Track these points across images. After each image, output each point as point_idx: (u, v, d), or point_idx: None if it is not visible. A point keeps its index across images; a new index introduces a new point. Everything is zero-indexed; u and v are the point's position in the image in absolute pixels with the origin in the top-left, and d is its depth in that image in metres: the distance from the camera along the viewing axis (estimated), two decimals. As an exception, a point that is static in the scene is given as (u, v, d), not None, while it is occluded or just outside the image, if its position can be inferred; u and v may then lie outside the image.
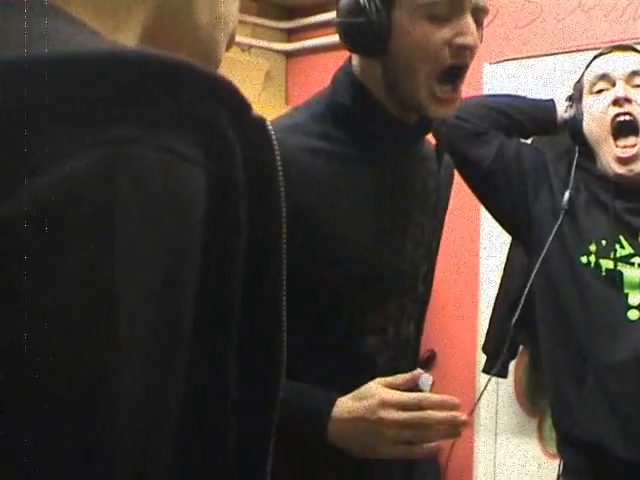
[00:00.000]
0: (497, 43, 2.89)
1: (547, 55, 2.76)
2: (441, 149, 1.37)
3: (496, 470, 2.86)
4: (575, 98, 1.86)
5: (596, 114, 1.79)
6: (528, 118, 1.90)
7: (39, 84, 0.44)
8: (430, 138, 1.38)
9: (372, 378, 1.24)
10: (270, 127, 0.54)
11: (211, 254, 0.49)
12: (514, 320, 1.81)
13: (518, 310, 1.81)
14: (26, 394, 0.42)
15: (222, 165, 0.49)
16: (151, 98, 0.46)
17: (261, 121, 0.53)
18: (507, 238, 2.73)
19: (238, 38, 2.93)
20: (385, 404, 1.19)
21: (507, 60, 2.84)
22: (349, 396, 1.21)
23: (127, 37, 0.57)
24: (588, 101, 1.82)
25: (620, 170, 1.75)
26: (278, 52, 3.47)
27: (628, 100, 1.75)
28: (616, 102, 1.76)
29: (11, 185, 0.43)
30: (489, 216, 2.90)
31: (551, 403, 1.88)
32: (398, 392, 1.21)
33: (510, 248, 2.69)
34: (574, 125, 1.84)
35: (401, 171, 1.31)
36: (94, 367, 0.43)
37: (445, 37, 1.20)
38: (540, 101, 1.95)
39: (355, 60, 1.28)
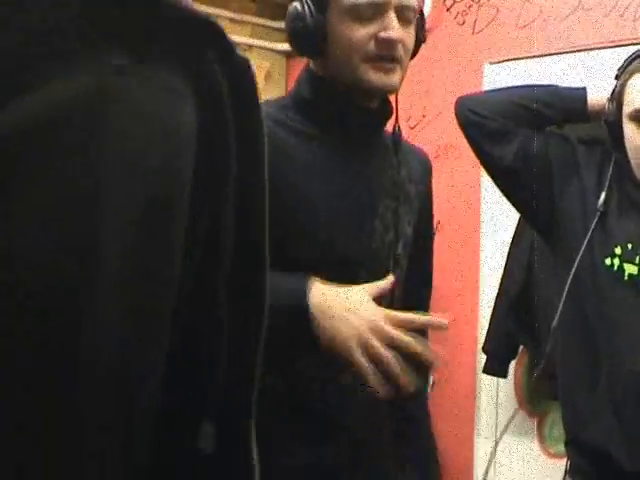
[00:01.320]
0: (497, 43, 2.89)
1: (547, 55, 2.75)
2: (398, 140, 1.47)
3: (496, 470, 2.86)
4: (616, 100, 1.75)
5: (635, 146, 1.71)
6: (556, 110, 1.84)
7: (37, 10, 0.44)
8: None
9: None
10: (253, 68, 0.55)
11: (203, 184, 0.49)
12: (554, 325, 1.75)
13: (558, 312, 1.74)
14: (8, 295, 0.42)
15: (210, 99, 0.50)
16: (141, 33, 0.47)
17: (245, 61, 0.55)
18: (507, 238, 2.73)
19: (238, 38, 2.93)
20: (377, 318, 1.21)
21: (507, 60, 2.84)
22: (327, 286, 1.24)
23: None
24: (629, 127, 1.73)
25: None
26: (278, 52, 3.47)
27: None
28: None
29: (4, 101, 0.43)
30: (489, 216, 2.91)
31: (561, 403, 1.87)
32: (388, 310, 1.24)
33: (510, 247, 2.69)
34: (613, 132, 1.76)
35: (365, 155, 1.42)
36: (74, 274, 0.43)
37: (369, 32, 1.33)
38: (571, 90, 1.87)
39: (311, 62, 1.43)
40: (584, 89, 1.85)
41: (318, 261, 1.32)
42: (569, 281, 1.72)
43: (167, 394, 0.50)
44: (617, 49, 2.61)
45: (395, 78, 1.37)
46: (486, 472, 2.85)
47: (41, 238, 0.43)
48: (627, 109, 1.72)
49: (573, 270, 1.72)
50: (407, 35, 1.37)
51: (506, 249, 2.71)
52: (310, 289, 1.23)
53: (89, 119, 0.44)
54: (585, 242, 1.71)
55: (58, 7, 0.45)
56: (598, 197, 1.76)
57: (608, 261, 1.72)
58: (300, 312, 1.22)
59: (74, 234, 0.43)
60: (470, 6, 2.98)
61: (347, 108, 1.40)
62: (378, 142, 1.46)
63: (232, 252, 0.54)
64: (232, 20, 3.29)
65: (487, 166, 1.88)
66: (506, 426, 2.83)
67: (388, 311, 1.24)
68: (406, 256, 1.47)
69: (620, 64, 1.80)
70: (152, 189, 0.46)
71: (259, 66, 3.38)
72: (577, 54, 2.69)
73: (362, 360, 1.19)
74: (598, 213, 1.73)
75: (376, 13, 1.33)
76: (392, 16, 1.34)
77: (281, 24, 3.44)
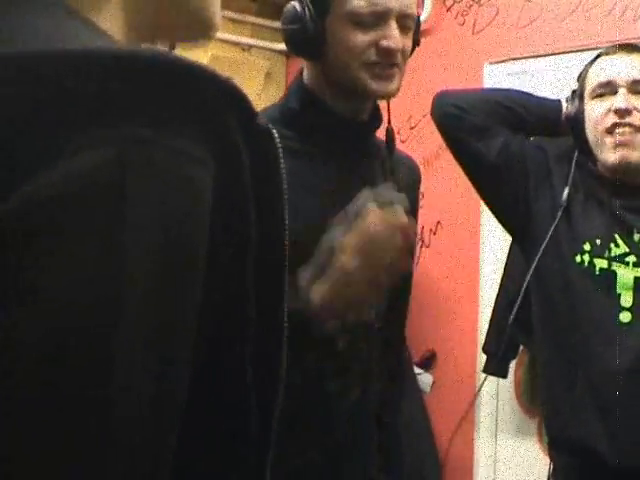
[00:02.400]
0: (497, 43, 2.89)
1: (547, 55, 2.75)
2: (391, 147, 1.47)
3: (496, 470, 2.86)
4: (577, 95, 1.83)
5: (596, 119, 1.77)
6: (534, 116, 1.86)
7: (55, 81, 0.45)
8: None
9: (331, 360, 1.31)
10: (276, 134, 0.56)
11: (220, 249, 0.50)
12: (511, 319, 1.78)
13: (514, 310, 1.78)
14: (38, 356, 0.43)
15: (229, 168, 0.51)
16: (163, 99, 0.47)
17: (267, 129, 0.55)
18: (507, 238, 2.72)
19: (238, 38, 2.93)
20: (341, 245, 1.24)
21: (507, 60, 2.84)
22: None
23: (113, 15, 0.57)
24: (589, 105, 1.79)
25: (615, 156, 1.72)
26: (278, 52, 3.47)
27: (629, 112, 1.72)
28: (617, 112, 1.73)
29: (25, 175, 0.44)
30: (489, 216, 2.90)
31: (542, 403, 1.87)
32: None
33: (510, 248, 2.69)
34: (575, 123, 1.82)
35: (354, 167, 1.42)
36: (98, 353, 0.44)
37: (370, 40, 1.33)
38: (546, 100, 1.91)
39: (305, 68, 1.43)
40: (559, 101, 1.88)
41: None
42: (528, 276, 1.76)
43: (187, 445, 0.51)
44: (617, 49, 2.62)
45: (395, 84, 1.37)
46: (486, 472, 2.85)
47: (63, 317, 0.43)
48: (588, 89, 1.78)
49: (533, 265, 1.74)
50: (406, 42, 1.38)
51: (506, 249, 2.71)
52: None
53: (110, 190, 0.45)
54: (548, 237, 1.73)
55: (78, 78, 0.45)
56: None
57: (578, 258, 1.73)
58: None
59: (96, 316, 0.44)
60: (470, 6, 2.98)
61: (334, 122, 1.40)
62: (367, 151, 1.47)
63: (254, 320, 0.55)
64: (232, 20, 3.29)
65: (469, 162, 1.86)
66: (506, 426, 2.83)
67: None
68: None
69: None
70: (170, 261, 0.47)
71: (259, 66, 3.38)
72: (577, 54, 2.69)
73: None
74: (561, 208, 1.75)
75: (377, 21, 1.33)
76: (393, 25, 1.33)
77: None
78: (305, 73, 1.43)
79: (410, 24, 1.38)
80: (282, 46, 3.48)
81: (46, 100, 0.45)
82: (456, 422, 2.90)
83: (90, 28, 0.53)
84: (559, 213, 1.75)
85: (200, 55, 3.02)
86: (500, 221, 1.98)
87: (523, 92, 1.96)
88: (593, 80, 1.79)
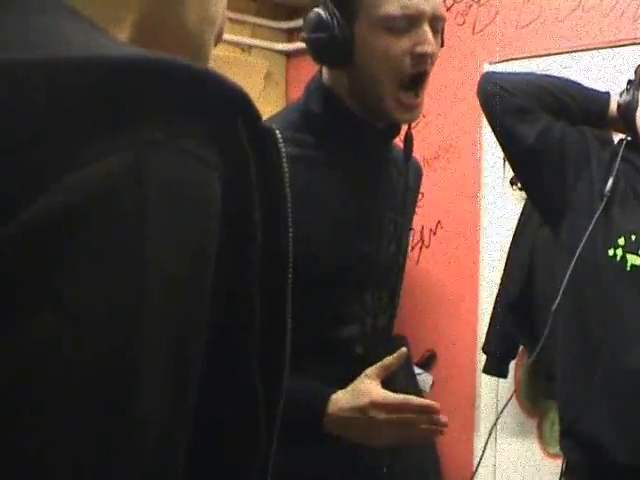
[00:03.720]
0: (497, 43, 2.89)
1: (547, 55, 2.75)
2: (409, 153, 1.44)
3: (496, 470, 2.86)
4: (634, 85, 1.77)
5: None
6: (579, 106, 1.81)
7: (67, 87, 0.45)
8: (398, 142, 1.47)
9: (349, 367, 1.31)
10: (279, 136, 0.56)
11: (226, 254, 0.50)
12: (553, 308, 1.73)
13: (557, 301, 1.73)
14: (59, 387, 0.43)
15: (237, 171, 0.51)
16: (174, 104, 0.48)
17: (271, 130, 0.55)
18: (507, 238, 2.73)
19: (238, 38, 2.94)
20: (375, 405, 1.26)
21: (507, 60, 2.84)
22: (343, 392, 1.28)
23: (119, 34, 0.57)
24: None
25: None
26: (278, 52, 3.47)
27: None
28: None
29: (42, 185, 0.44)
30: (489, 216, 2.91)
31: (558, 393, 1.86)
32: (387, 393, 1.28)
33: (510, 248, 2.69)
34: (627, 112, 1.76)
35: (372, 171, 1.40)
36: (120, 359, 0.44)
37: (405, 47, 1.27)
38: (595, 91, 1.86)
39: (325, 70, 1.36)
40: (608, 94, 1.84)
41: (328, 278, 1.32)
42: (571, 267, 1.70)
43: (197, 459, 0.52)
44: (617, 49, 2.62)
45: (417, 113, 1.34)
46: (486, 472, 2.85)
47: (87, 326, 0.44)
48: None
49: (575, 258, 1.69)
50: (437, 47, 1.34)
51: (506, 249, 2.71)
52: (325, 408, 1.28)
53: (128, 196, 0.45)
54: (590, 228, 1.68)
55: (89, 85, 0.45)
56: (604, 189, 1.74)
57: (611, 252, 1.71)
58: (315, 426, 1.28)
59: (116, 326, 0.44)
60: (470, 6, 2.98)
61: (357, 127, 1.36)
62: (385, 156, 1.44)
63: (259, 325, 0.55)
64: (232, 20, 3.29)
65: (507, 144, 1.84)
66: (506, 426, 2.83)
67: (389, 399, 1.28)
68: (404, 266, 1.49)
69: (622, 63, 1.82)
70: (189, 263, 0.47)
71: (259, 66, 3.38)
72: (577, 54, 2.69)
73: (390, 442, 1.32)
74: (605, 198, 1.71)
75: (410, 25, 1.27)
76: (427, 29, 1.28)
77: (281, 24, 3.47)
78: (325, 75, 1.37)
79: (440, 26, 1.34)
80: (282, 46, 3.50)
81: (55, 108, 0.45)
82: (456, 422, 2.89)
83: (98, 32, 0.54)
84: (602, 204, 1.71)
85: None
86: (536, 206, 1.96)
87: (572, 81, 1.89)
88: None
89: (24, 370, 0.43)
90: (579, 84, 1.87)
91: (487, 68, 2.88)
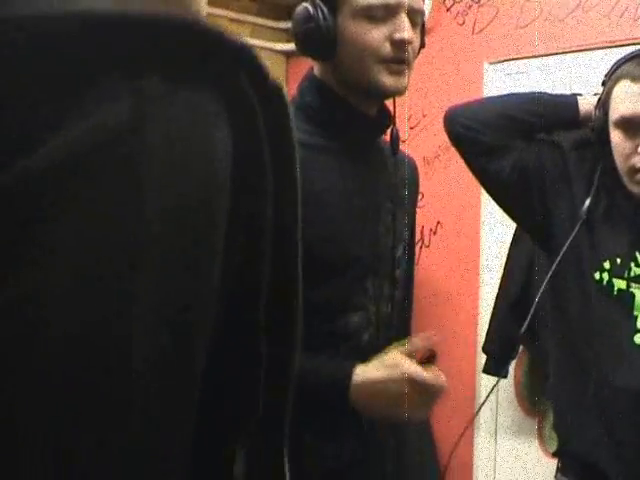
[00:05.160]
0: (497, 43, 2.89)
1: (547, 55, 2.75)
2: (395, 146, 1.49)
3: (496, 470, 2.86)
4: (601, 106, 1.72)
5: (621, 154, 1.68)
6: (548, 121, 1.80)
7: (65, 39, 0.45)
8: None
9: (356, 355, 1.34)
10: (286, 93, 0.56)
11: (240, 210, 0.49)
12: (523, 329, 1.74)
13: (527, 321, 1.74)
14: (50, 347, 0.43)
15: (245, 123, 0.50)
16: (176, 57, 0.47)
17: (279, 86, 0.54)
18: (507, 238, 2.73)
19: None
20: (408, 377, 1.30)
21: (507, 60, 2.84)
22: (371, 365, 1.32)
23: None
24: (615, 133, 1.69)
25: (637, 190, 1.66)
26: (278, 52, 3.47)
27: None
28: None
29: (41, 136, 0.43)
30: (489, 216, 2.91)
31: (553, 413, 1.87)
32: (419, 367, 1.33)
33: (510, 248, 2.69)
34: (601, 139, 1.72)
35: (368, 160, 1.45)
36: (117, 316, 0.44)
37: (383, 34, 1.35)
38: (561, 97, 1.85)
39: (315, 66, 1.44)
40: (574, 96, 1.82)
41: (331, 263, 1.35)
42: (542, 287, 1.72)
43: (203, 421, 0.51)
44: (617, 49, 2.61)
45: (405, 80, 1.39)
46: (486, 472, 2.85)
47: (80, 282, 0.43)
48: (613, 116, 1.69)
49: (547, 278, 1.71)
50: (415, 38, 1.40)
51: (506, 249, 2.71)
52: (350, 381, 1.30)
53: (127, 146, 0.44)
54: (562, 250, 1.68)
55: (87, 35, 0.45)
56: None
57: (597, 275, 1.70)
58: (342, 400, 1.31)
59: (114, 280, 0.44)
60: (470, 6, 2.98)
61: (351, 115, 1.41)
62: (377, 147, 1.49)
63: (269, 282, 0.55)
64: (232, 20, 3.29)
65: (483, 180, 1.85)
66: (506, 426, 2.83)
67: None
68: (404, 258, 1.50)
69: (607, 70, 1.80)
70: (192, 221, 0.47)
71: (259, 66, 3.38)
72: (577, 54, 2.69)
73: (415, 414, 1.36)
74: (580, 221, 1.70)
75: (388, 14, 1.35)
76: (404, 18, 1.35)
77: (281, 24, 3.47)
78: (316, 71, 1.44)
79: (419, 20, 1.40)
80: (282, 46, 3.50)
81: (57, 59, 0.44)
82: (456, 422, 2.89)
83: None
84: (577, 227, 1.70)
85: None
86: (524, 231, 1.98)
87: (535, 95, 1.86)
88: (618, 107, 1.68)
89: (17, 322, 0.42)
90: (544, 96, 1.84)
91: (487, 68, 2.89)
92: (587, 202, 1.72)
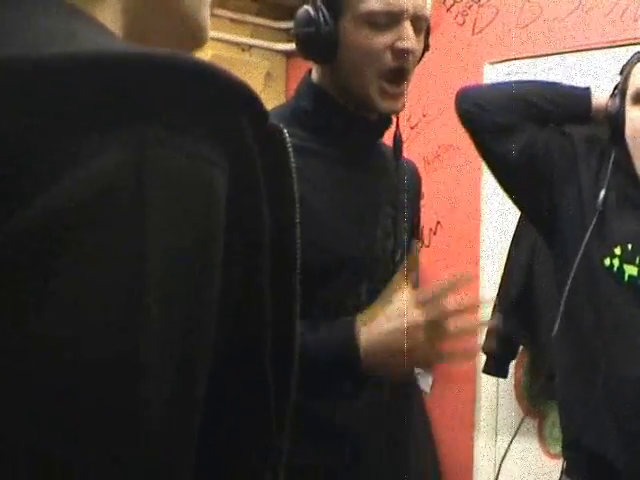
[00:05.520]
0: (497, 43, 2.90)
1: (547, 55, 2.76)
2: (398, 152, 1.48)
3: (496, 470, 2.86)
4: (619, 92, 1.72)
5: (636, 129, 1.68)
6: (560, 108, 1.78)
7: (65, 85, 0.45)
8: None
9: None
10: (287, 135, 0.56)
11: (234, 250, 0.50)
12: (554, 331, 1.72)
13: (557, 321, 1.71)
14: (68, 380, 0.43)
15: (242, 168, 0.51)
16: (175, 101, 0.47)
17: (278, 129, 0.55)
18: (507, 238, 2.73)
19: (238, 38, 2.92)
20: (408, 308, 1.27)
21: (507, 60, 2.84)
22: (370, 318, 1.28)
23: (109, 16, 0.57)
24: (631, 111, 1.70)
25: None
26: (278, 52, 3.47)
27: None
28: None
29: (40, 184, 0.44)
30: (489, 216, 2.91)
31: (558, 405, 1.85)
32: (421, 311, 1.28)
33: (510, 248, 2.69)
34: (614, 124, 1.72)
35: (365, 164, 1.43)
36: (123, 354, 0.44)
37: (386, 42, 1.33)
38: (574, 89, 1.82)
39: (314, 69, 1.42)
40: (588, 89, 1.80)
41: (323, 270, 1.33)
42: (568, 285, 1.68)
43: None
44: (617, 49, 2.62)
45: (401, 103, 1.37)
46: (486, 472, 2.85)
47: (89, 323, 0.44)
48: (631, 91, 1.69)
49: (572, 274, 1.68)
50: (419, 45, 1.38)
51: (506, 249, 2.71)
52: (356, 336, 1.27)
53: (127, 193, 0.44)
54: (583, 244, 1.66)
55: (88, 83, 0.45)
56: (596, 196, 1.71)
57: (607, 261, 1.68)
58: (351, 363, 1.27)
59: (119, 321, 0.45)
60: (470, 6, 2.98)
61: (348, 120, 1.40)
62: (377, 150, 1.47)
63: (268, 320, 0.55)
64: (232, 20, 3.30)
65: (490, 162, 1.82)
66: (506, 426, 2.83)
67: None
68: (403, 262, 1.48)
69: (624, 63, 1.79)
70: (191, 260, 0.47)
71: (259, 66, 3.39)
72: (577, 54, 2.69)
73: (431, 355, 1.31)
74: (597, 213, 1.69)
75: (392, 22, 1.33)
76: (408, 26, 1.33)
77: (281, 24, 3.47)
78: (314, 74, 1.42)
79: (423, 26, 1.39)
80: (282, 46, 3.50)
81: (54, 106, 0.45)
82: (456, 422, 2.90)
83: (96, 28, 0.53)
84: (594, 218, 1.68)
85: (200, 55, 3.02)
86: (528, 218, 1.94)
87: (550, 83, 1.86)
88: (636, 81, 1.69)
89: (26, 369, 0.43)
90: (558, 85, 1.84)
91: (487, 68, 2.89)
92: (602, 194, 1.70)
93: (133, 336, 0.44)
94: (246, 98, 0.52)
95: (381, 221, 1.42)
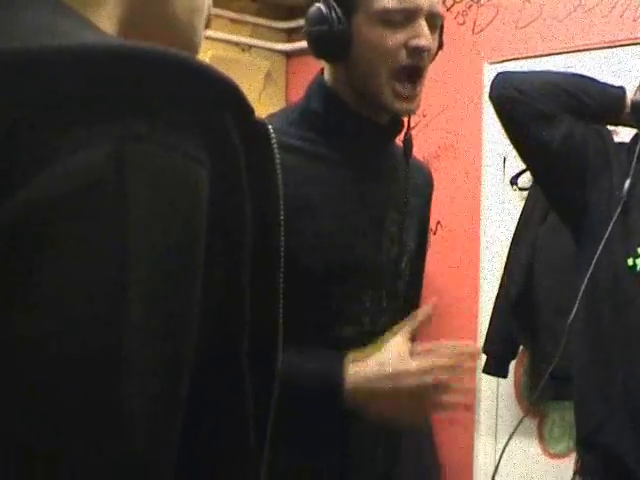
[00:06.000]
0: (497, 43, 2.89)
1: (547, 55, 2.75)
2: (407, 154, 1.45)
3: (496, 470, 2.85)
4: None
5: None
6: (597, 104, 1.76)
7: (50, 78, 0.45)
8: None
9: None
10: (271, 131, 0.55)
11: (215, 250, 0.50)
12: (569, 320, 1.69)
13: (572, 315, 1.69)
14: (48, 373, 0.44)
15: (225, 166, 0.50)
16: (159, 97, 0.47)
17: (263, 125, 0.55)
18: (507, 238, 2.73)
19: (238, 38, 2.92)
20: (401, 356, 1.25)
21: (507, 60, 2.84)
22: (364, 358, 1.27)
23: (104, 23, 0.57)
24: None
25: None
26: (278, 52, 3.47)
27: None
28: None
29: (23, 178, 0.44)
30: (489, 216, 2.91)
31: (574, 402, 1.83)
32: (415, 362, 1.26)
33: (510, 248, 2.69)
34: (639, 116, 1.71)
35: (374, 169, 1.40)
36: (107, 348, 0.44)
37: (400, 40, 1.30)
38: (610, 87, 1.80)
39: (326, 69, 1.39)
40: (622, 88, 1.79)
41: (327, 275, 1.32)
42: (586, 278, 1.65)
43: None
44: (617, 49, 2.62)
45: (415, 104, 1.35)
46: (486, 472, 2.85)
47: (71, 314, 0.44)
48: None
49: (590, 269, 1.65)
50: (434, 43, 1.36)
51: (506, 249, 2.71)
52: (342, 374, 1.25)
53: (109, 188, 0.45)
54: (605, 237, 1.63)
55: (73, 77, 0.45)
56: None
57: (630, 261, 1.66)
58: (334, 398, 1.25)
59: (100, 316, 0.45)
60: (470, 6, 2.98)
61: (359, 124, 1.37)
62: (387, 155, 1.44)
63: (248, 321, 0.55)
64: (232, 20, 3.29)
65: (529, 148, 1.79)
66: (506, 426, 2.83)
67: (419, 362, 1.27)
68: (408, 269, 1.46)
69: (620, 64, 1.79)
70: (173, 256, 0.47)
71: (259, 66, 3.38)
72: (577, 54, 2.69)
73: (417, 410, 1.30)
74: (621, 201, 1.66)
75: (406, 19, 1.29)
76: (423, 23, 1.31)
77: (281, 24, 3.47)
78: (326, 74, 1.39)
79: (438, 23, 1.36)
80: (282, 46, 3.50)
81: (39, 99, 0.45)
82: (456, 422, 2.89)
83: (86, 25, 0.53)
84: (619, 208, 1.66)
85: (200, 55, 3.02)
86: (555, 209, 1.93)
87: (588, 77, 1.83)
88: None
89: (8, 364, 0.43)
90: (595, 80, 1.82)
91: (487, 68, 2.89)
92: (627, 183, 1.68)
93: (116, 330, 0.44)
94: (230, 94, 0.51)
95: (387, 227, 1.40)
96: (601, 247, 1.64)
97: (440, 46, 1.41)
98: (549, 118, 1.73)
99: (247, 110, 0.53)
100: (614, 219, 1.65)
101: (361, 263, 1.35)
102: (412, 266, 1.47)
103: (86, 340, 0.44)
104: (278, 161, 0.57)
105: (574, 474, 1.79)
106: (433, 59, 1.39)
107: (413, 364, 1.25)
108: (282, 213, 0.57)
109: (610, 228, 1.65)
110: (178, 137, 0.47)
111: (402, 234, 1.42)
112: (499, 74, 1.82)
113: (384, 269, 1.39)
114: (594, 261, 1.65)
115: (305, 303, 1.28)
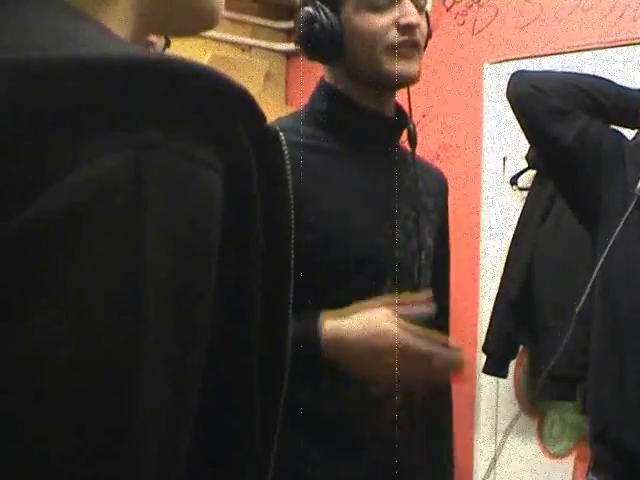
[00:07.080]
0: (497, 43, 2.89)
1: (547, 55, 2.76)
2: (413, 145, 1.47)
3: (496, 470, 2.86)
4: None
5: None
6: (614, 106, 1.78)
7: (73, 87, 0.45)
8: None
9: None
10: (282, 137, 0.56)
11: (227, 255, 0.50)
12: (577, 309, 1.69)
13: (582, 299, 1.69)
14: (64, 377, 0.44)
15: (238, 173, 0.51)
16: (173, 104, 0.48)
17: (274, 131, 0.55)
18: (507, 238, 2.73)
19: (238, 38, 2.94)
20: (387, 315, 1.25)
21: (507, 60, 2.84)
22: (347, 317, 1.27)
23: (113, 23, 0.57)
24: None
25: None
26: (278, 52, 3.47)
27: None
28: None
29: (44, 184, 0.44)
30: (489, 216, 2.91)
31: (588, 396, 1.83)
32: (408, 338, 1.26)
33: (510, 248, 2.69)
34: None
35: (384, 163, 1.42)
36: (123, 353, 0.45)
37: (389, 21, 1.34)
38: (627, 90, 1.83)
39: (326, 71, 1.42)
40: (639, 91, 1.81)
41: (340, 270, 1.33)
42: (595, 271, 1.66)
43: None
44: (617, 49, 2.62)
45: (415, 66, 1.37)
46: (488, 472, 2.85)
47: (86, 321, 0.44)
48: None
49: (599, 263, 1.66)
50: (423, 21, 1.38)
51: (506, 249, 2.71)
52: (321, 327, 1.26)
53: (126, 195, 0.45)
54: (617, 231, 1.64)
55: (94, 86, 0.46)
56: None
57: None
58: (313, 349, 1.25)
59: (118, 321, 0.45)
60: (470, 6, 2.98)
61: (363, 117, 1.39)
62: (395, 151, 1.45)
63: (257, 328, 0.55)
64: (232, 20, 3.29)
65: (543, 143, 1.82)
66: (506, 426, 2.83)
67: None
68: (429, 267, 1.46)
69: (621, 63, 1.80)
70: (189, 263, 0.48)
71: (259, 66, 3.38)
72: (577, 54, 2.69)
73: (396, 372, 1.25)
74: (636, 198, 1.68)
75: (391, 2, 1.33)
76: (408, 2, 1.34)
77: (281, 24, 3.47)
78: (327, 76, 1.42)
79: (422, 4, 1.39)
80: (282, 46, 3.50)
81: (62, 108, 0.45)
82: (456, 423, 2.89)
83: (98, 29, 0.54)
84: (632, 203, 1.68)
85: (200, 55, 3.02)
86: (570, 206, 1.93)
87: (603, 78, 1.87)
88: None
89: (25, 368, 0.43)
90: (612, 82, 1.84)
91: (487, 68, 2.89)
92: None
93: (132, 336, 0.45)
94: (242, 101, 0.52)
95: (401, 222, 1.41)
96: (612, 240, 1.65)
97: (429, 35, 1.43)
98: (564, 114, 1.75)
99: (258, 116, 0.53)
100: (629, 210, 1.66)
101: (373, 256, 1.36)
102: (434, 267, 1.48)
103: (102, 345, 0.44)
104: (288, 166, 0.57)
105: (587, 471, 1.79)
106: (425, 45, 1.41)
107: (397, 323, 1.25)
108: (293, 217, 0.58)
109: (624, 219, 1.65)
110: (193, 144, 0.48)
111: (418, 229, 1.43)
112: (515, 73, 1.84)
113: (401, 263, 1.39)
114: (606, 250, 1.65)
115: (322, 298, 1.29)
